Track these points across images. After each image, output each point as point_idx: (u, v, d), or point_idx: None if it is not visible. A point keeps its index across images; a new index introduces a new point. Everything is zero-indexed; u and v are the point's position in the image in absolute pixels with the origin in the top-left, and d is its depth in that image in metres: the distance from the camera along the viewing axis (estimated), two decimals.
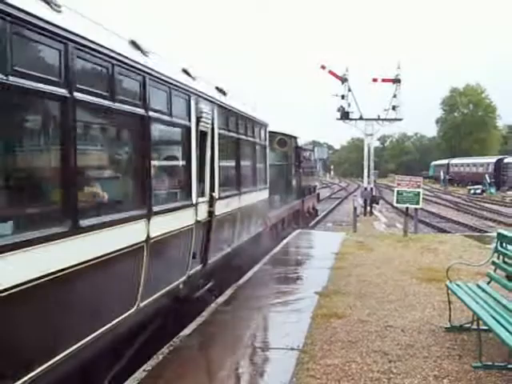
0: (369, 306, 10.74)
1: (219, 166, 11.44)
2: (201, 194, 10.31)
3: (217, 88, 11.91)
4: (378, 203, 47.34)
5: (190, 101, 9.71)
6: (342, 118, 46.17)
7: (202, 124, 10.27)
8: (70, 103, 5.76)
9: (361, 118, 46.01)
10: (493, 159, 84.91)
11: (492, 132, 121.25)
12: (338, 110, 46.03)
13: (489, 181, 74.26)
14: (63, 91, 5.64)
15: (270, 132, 18.71)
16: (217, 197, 11.11)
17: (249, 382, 7.42)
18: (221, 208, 11.41)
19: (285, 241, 20.38)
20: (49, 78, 5.45)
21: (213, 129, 11.07)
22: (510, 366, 7.33)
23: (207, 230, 10.69)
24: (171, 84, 8.82)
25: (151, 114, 7.86)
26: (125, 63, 7.09)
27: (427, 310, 10.53)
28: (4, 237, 4.76)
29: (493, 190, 71.46)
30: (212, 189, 10.95)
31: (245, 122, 14.32)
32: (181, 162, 9.69)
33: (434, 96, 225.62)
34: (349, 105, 45.86)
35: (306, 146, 32.36)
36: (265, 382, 7.38)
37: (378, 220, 39.09)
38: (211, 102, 11.00)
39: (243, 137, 14.12)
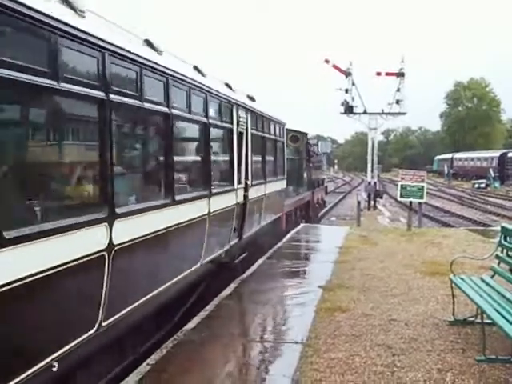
0: (372, 300, 10.75)
1: (251, 160, 14.04)
2: (238, 181, 12.76)
3: (248, 96, 14.49)
4: (381, 197, 47.47)
5: (232, 109, 12.36)
6: (345, 112, 46.28)
7: (240, 126, 12.90)
8: (171, 118, 8.44)
9: (365, 112, 46.10)
10: (497, 153, 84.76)
11: (496, 126, 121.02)
12: (342, 104, 46.14)
13: (493, 175, 74.19)
14: (166, 109, 8.32)
15: None
16: (250, 184, 13.67)
17: (253, 376, 7.43)
18: (252, 193, 14.00)
19: (289, 235, 20.38)
20: (158, 101, 8.10)
21: (247, 129, 13.65)
22: None
23: (243, 211, 13.17)
24: (221, 97, 11.44)
25: (211, 121, 10.58)
26: (196, 86, 9.74)
27: (431, 303, 10.52)
28: (131, 205, 7.30)
29: (497, 184, 71.41)
30: (246, 177, 13.46)
31: (268, 123, 16.90)
32: (227, 156, 12.37)
33: (436, 93, 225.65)
34: (353, 99, 45.98)
35: (310, 140, 32.80)
36: (269, 375, 7.38)
37: (382, 214, 39.17)
38: (245, 108, 13.57)
39: (267, 135, 16.75)
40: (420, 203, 24.46)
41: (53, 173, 6.19)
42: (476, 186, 72.94)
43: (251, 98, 14.74)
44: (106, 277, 6.31)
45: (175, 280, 8.71)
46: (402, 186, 23.12)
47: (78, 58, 5.91)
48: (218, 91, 11.14)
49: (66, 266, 5.48)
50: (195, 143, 10.88)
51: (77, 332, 5.95)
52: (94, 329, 6.24)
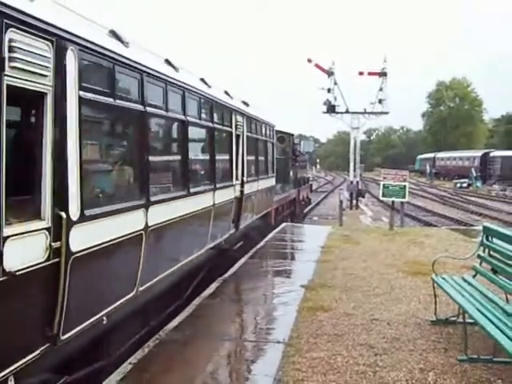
0: (355, 300, 10.75)
1: (246, 159, 15.51)
2: (236, 178, 14.28)
3: (243, 101, 15.83)
4: (363, 197, 47.54)
5: (231, 114, 14.02)
6: (328, 112, 46.20)
7: (237, 130, 14.49)
8: (186, 124, 10.10)
9: (347, 112, 46.04)
10: (479, 153, 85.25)
11: (478, 126, 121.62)
12: (325, 104, 46.04)
13: (475, 174, 74.58)
14: (183, 117, 9.96)
15: None
16: (245, 181, 15.13)
17: (235, 376, 7.43)
18: (247, 189, 15.42)
19: (270, 234, 20.34)
20: (178, 110, 9.73)
21: (243, 132, 15.15)
22: (495, 359, 7.34)
23: (239, 204, 14.61)
24: (223, 105, 13.08)
25: (215, 125, 12.30)
26: (204, 96, 11.43)
27: (413, 303, 10.54)
28: (159, 194, 8.70)
29: (479, 184, 71.79)
30: (242, 174, 14.95)
31: (260, 125, 18.48)
32: (227, 156, 13.87)
33: (418, 92, 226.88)
34: (335, 98, 45.89)
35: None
36: (251, 375, 7.35)
37: (364, 214, 39.26)
38: (242, 113, 15.12)
39: (259, 137, 18.42)
40: (402, 203, 24.53)
41: (112, 169, 7.72)
42: (458, 185, 73.37)
43: (246, 103, 16.08)
44: (142, 251, 7.80)
45: (188, 259, 10.30)
46: (384, 185, 23.14)
47: (127, 80, 7.57)
48: (220, 100, 12.79)
49: (119, 240, 7.00)
50: (204, 144, 12.39)
51: (123, 293, 7.41)
52: (134, 292, 7.70)
